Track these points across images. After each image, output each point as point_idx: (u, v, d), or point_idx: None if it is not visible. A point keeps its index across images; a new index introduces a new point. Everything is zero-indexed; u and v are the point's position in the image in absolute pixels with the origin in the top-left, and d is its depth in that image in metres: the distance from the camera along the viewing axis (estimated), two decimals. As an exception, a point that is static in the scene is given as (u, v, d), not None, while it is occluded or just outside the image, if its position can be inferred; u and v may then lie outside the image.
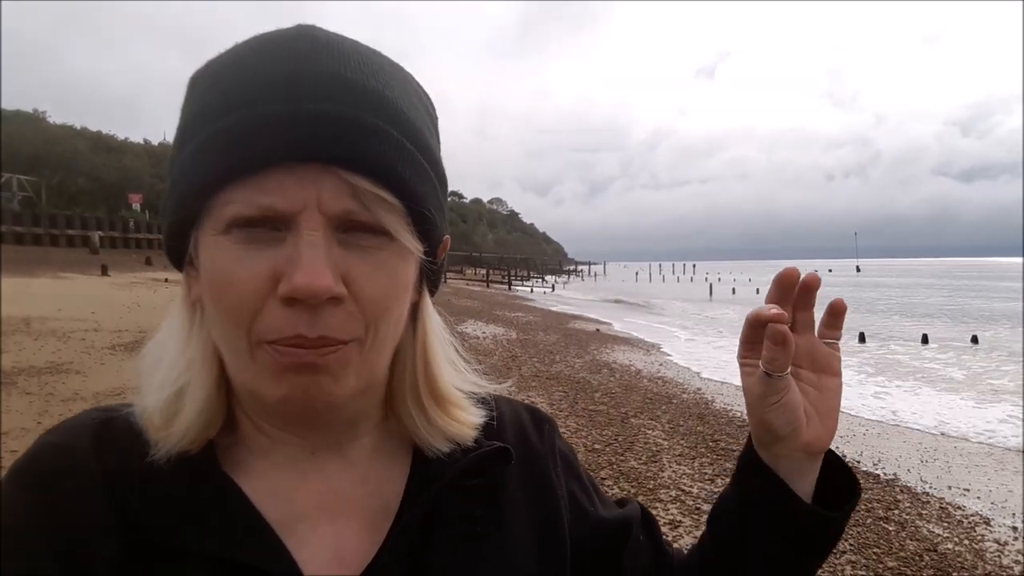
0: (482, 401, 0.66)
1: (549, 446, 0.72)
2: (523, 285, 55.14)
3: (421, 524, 0.58)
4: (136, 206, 50.80)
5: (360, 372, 0.53)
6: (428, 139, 0.55)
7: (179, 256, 0.56)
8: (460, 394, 0.64)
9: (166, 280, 24.86)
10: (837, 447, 0.66)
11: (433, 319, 0.63)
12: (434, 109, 0.60)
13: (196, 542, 0.52)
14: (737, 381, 0.68)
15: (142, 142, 69.70)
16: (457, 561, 0.59)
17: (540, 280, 70.57)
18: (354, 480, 0.60)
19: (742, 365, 0.62)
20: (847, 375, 0.64)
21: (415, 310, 0.60)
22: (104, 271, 26.34)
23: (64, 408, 6.74)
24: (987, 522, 5.35)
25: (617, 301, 37.62)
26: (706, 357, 14.71)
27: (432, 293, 0.63)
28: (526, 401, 0.77)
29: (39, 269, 24.28)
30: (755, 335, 0.60)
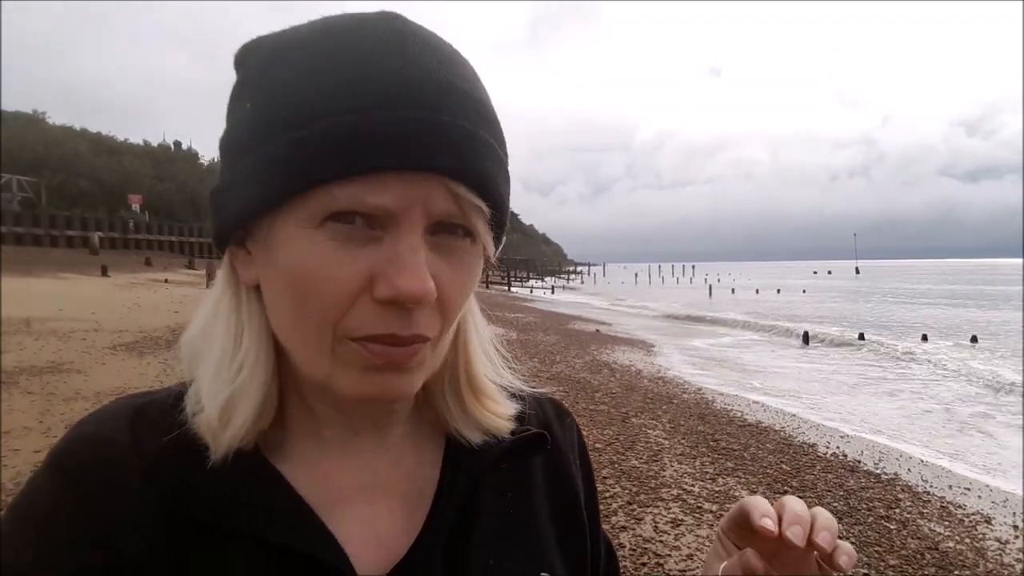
0: (513, 396, 0.67)
1: (570, 440, 0.73)
2: (523, 286, 55.09)
3: (458, 507, 0.60)
4: (136, 207, 50.87)
5: (429, 368, 0.55)
6: (504, 140, 0.56)
7: (225, 234, 0.55)
8: (495, 387, 0.65)
9: (166, 281, 24.88)
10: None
11: (475, 312, 0.64)
12: None
13: (239, 526, 0.52)
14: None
15: (142, 143, 69.75)
16: (492, 543, 0.61)
17: (539, 280, 70.66)
18: (389, 462, 0.62)
19: (721, 540, 0.61)
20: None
21: None
22: (104, 272, 26.36)
23: (66, 407, 6.74)
24: (988, 520, 5.34)
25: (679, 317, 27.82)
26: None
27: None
28: None
29: (39, 270, 24.30)
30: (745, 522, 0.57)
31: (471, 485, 0.61)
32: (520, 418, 0.66)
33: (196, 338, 0.58)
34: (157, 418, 0.56)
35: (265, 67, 0.52)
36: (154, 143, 73.04)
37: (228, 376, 0.54)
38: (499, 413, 0.64)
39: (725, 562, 0.58)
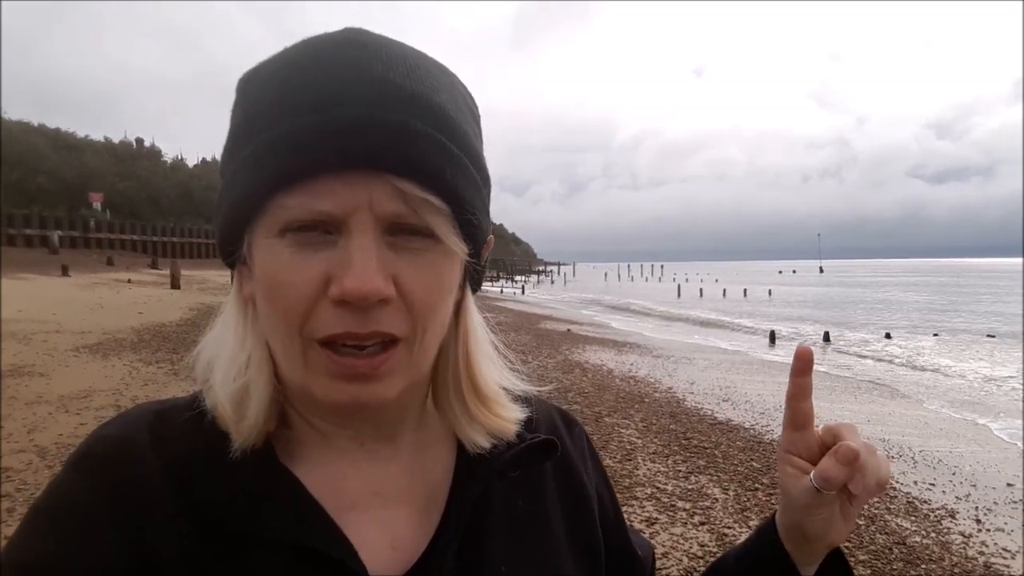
0: (518, 399, 0.68)
1: (580, 448, 0.74)
2: (492, 286, 55.10)
3: (471, 512, 0.61)
4: (97, 205, 49.61)
5: (408, 373, 0.56)
6: (473, 141, 0.56)
7: (231, 256, 0.58)
8: (500, 390, 0.65)
9: (129, 281, 24.34)
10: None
11: (474, 316, 0.64)
12: (477, 109, 0.61)
13: (259, 527, 0.53)
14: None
15: (103, 140, 68.14)
16: (505, 547, 0.61)
17: (510, 281, 70.85)
18: (402, 470, 0.63)
19: (784, 462, 0.63)
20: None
21: (458, 307, 0.61)
22: (65, 271, 25.68)
23: (28, 411, 6.54)
24: (952, 515, 5.47)
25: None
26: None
27: (474, 291, 0.64)
28: None
29: (-4, 270, 23.59)
30: (799, 419, 0.61)
31: (483, 490, 0.62)
32: (528, 422, 0.66)
33: (210, 346, 0.61)
34: (177, 421, 0.58)
35: (240, 91, 0.56)
36: (115, 140, 71.34)
37: (238, 372, 0.57)
38: (505, 417, 0.64)
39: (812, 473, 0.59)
